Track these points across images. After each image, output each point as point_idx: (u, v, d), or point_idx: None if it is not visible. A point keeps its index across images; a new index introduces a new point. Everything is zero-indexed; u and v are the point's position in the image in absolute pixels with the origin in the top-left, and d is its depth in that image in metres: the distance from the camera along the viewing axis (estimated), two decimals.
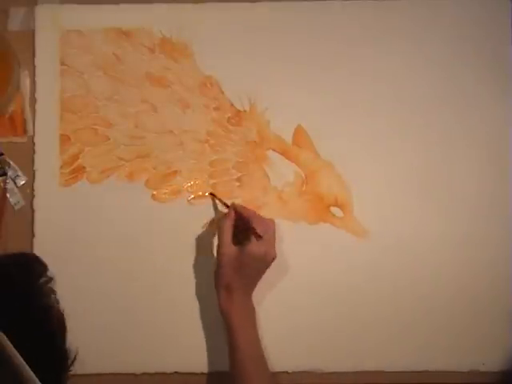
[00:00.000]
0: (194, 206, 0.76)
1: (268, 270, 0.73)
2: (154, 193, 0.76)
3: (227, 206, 0.73)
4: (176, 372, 0.74)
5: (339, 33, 0.78)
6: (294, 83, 0.77)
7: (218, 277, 0.69)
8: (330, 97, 0.77)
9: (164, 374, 0.74)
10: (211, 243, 0.74)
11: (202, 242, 0.75)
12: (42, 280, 0.52)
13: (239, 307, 0.68)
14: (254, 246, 0.68)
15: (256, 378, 0.67)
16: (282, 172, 0.76)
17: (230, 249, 0.68)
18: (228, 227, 0.69)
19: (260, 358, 0.69)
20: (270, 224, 0.71)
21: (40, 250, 0.75)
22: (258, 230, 0.69)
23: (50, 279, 0.53)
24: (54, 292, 0.52)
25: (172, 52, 0.78)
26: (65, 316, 0.56)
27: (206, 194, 0.75)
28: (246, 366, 0.67)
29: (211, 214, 0.75)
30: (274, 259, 0.70)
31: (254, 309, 0.70)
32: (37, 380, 0.47)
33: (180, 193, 0.76)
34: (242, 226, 0.71)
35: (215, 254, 0.71)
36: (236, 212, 0.71)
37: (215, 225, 0.74)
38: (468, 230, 0.76)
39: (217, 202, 0.75)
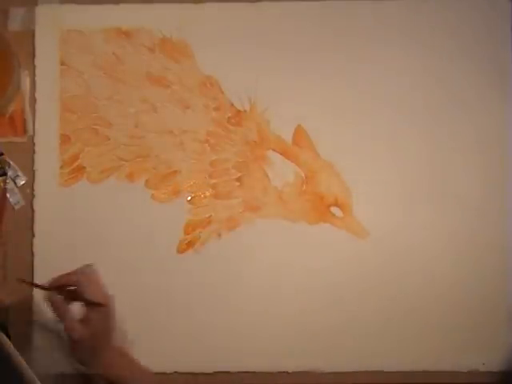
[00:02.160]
0: (193, 205, 0.76)
1: (267, 270, 0.73)
2: (154, 193, 0.76)
3: (44, 288, 0.65)
4: (176, 372, 0.74)
5: (340, 33, 0.78)
6: (293, 83, 0.77)
7: (77, 356, 0.64)
8: (330, 97, 0.77)
9: (164, 373, 0.74)
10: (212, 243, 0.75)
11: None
12: None
13: (118, 360, 0.65)
14: (95, 317, 0.63)
15: None
16: (282, 172, 0.76)
17: (79, 327, 0.62)
18: (64, 313, 0.63)
19: None
20: (89, 276, 0.64)
21: (40, 250, 0.75)
22: (90, 296, 0.62)
23: None
24: None
25: (172, 52, 0.78)
26: None
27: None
28: None
29: (211, 214, 0.75)
30: (110, 302, 0.64)
31: (129, 353, 0.67)
32: (36, 379, 0.47)
33: (180, 193, 0.76)
34: (70, 294, 0.64)
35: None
36: (56, 288, 0.64)
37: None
38: (468, 230, 0.76)
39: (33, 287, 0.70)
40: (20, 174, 0.76)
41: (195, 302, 0.73)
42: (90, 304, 0.62)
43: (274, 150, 0.77)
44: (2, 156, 0.76)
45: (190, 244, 0.75)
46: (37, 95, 0.77)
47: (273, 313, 0.74)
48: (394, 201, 0.76)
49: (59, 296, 0.63)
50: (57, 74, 0.77)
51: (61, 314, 0.63)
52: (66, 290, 0.63)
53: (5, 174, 0.76)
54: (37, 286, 0.67)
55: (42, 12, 0.77)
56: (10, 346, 0.66)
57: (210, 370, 0.74)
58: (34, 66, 0.77)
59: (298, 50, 0.78)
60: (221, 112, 0.77)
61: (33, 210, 0.75)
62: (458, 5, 0.78)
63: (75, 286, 0.63)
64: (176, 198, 0.76)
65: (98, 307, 0.62)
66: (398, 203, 0.76)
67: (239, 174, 0.76)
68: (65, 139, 0.76)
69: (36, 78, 0.77)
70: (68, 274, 0.64)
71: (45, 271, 0.75)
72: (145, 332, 0.74)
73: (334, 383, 0.74)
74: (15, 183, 0.76)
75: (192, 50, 0.78)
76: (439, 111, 0.77)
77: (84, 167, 0.76)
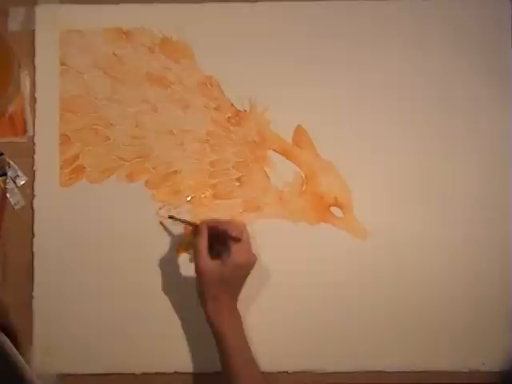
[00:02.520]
0: (193, 205, 0.76)
1: (267, 270, 0.73)
2: (154, 193, 0.76)
3: (193, 225, 0.72)
4: (176, 372, 0.74)
5: (339, 33, 0.78)
6: (294, 83, 0.77)
7: (202, 292, 0.68)
8: (330, 97, 0.77)
9: (164, 373, 0.74)
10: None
11: None
12: None
13: (227, 315, 0.68)
14: (235, 256, 0.68)
15: (249, 380, 0.66)
16: (282, 172, 0.76)
17: (210, 265, 0.68)
18: (202, 243, 0.68)
19: (251, 361, 0.68)
20: (242, 228, 0.70)
21: (40, 250, 0.75)
22: (234, 234, 0.68)
23: None
24: None
25: (172, 52, 0.78)
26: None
27: (167, 216, 0.74)
28: (238, 371, 0.66)
29: (211, 214, 0.75)
30: (255, 262, 0.70)
31: (239, 315, 0.70)
32: (37, 379, 0.47)
33: (180, 193, 0.76)
34: (216, 239, 0.70)
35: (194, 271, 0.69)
36: (209, 227, 0.70)
37: (185, 246, 0.75)
38: (468, 231, 0.76)
39: (182, 224, 0.74)
40: (20, 174, 0.76)
41: (195, 303, 0.73)
42: (232, 239, 0.68)
43: (274, 150, 0.77)
44: (2, 156, 0.76)
45: (191, 244, 0.75)
46: (37, 95, 0.77)
47: (273, 312, 0.74)
48: (395, 201, 0.76)
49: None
50: (57, 74, 0.77)
51: (199, 249, 0.68)
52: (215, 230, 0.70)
53: (5, 174, 0.76)
54: (182, 220, 0.73)
55: (41, 12, 0.77)
56: (10, 346, 0.66)
57: (210, 370, 0.74)
58: (34, 66, 0.77)
59: (298, 50, 0.78)
60: (221, 112, 0.77)
61: (33, 210, 0.75)
62: (459, 5, 0.78)
63: (224, 231, 0.69)
64: (176, 198, 0.76)
65: (238, 242, 0.68)
66: (399, 203, 0.76)
67: (239, 174, 0.76)
68: (65, 139, 0.76)
69: (36, 78, 0.77)
70: (222, 220, 0.71)
71: (45, 271, 0.75)
72: (144, 332, 0.74)
73: (334, 383, 0.74)
74: (15, 183, 0.76)
75: (192, 50, 0.78)
76: (441, 112, 0.77)
77: (84, 167, 0.76)
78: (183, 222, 0.73)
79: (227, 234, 0.69)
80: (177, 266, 0.75)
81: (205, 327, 0.72)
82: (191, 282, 0.73)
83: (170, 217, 0.74)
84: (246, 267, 0.69)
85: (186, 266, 0.75)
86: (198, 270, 0.68)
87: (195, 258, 0.69)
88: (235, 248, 0.68)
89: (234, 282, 0.69)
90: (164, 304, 0.75)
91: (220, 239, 0.70)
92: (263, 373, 0.69)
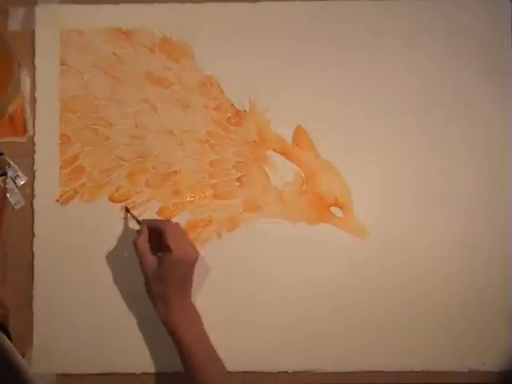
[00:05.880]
0: (193, 205, 0.76)
1: (267, 270, 0.73)
2: (155, 193, 0.76)
3: (139, 222, 0.72)
4: (176, 372, 0.74)
5: (339, 33, 0.78)
6: (294, 83, 0.77)
7: (149, 290, 0.70)
8: (329, 97, 0.77)
9: (164, 373, 0.74)
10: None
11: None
12: None
13: (179, 313, 0.68)
14: (171, 253, 0.68)
15: (209, 371, 0.67)
16: (282, 172, 0.76)
17: (151, 261, 0.68)
18: (143, 241, 0.69)
19: (211, 358, 0.69)
20: (178, 228, 0.71)
21: (40, 250, 0.75)
22: (170, 241, 0.68)
23: None
24: None
25: (172, 52, 0.78)
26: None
27: (123, 209, 0.75)
28: (198, 368, 0.67)
29: (211, 214, 0.75)
30: (196, 258, 0.70)
31: (194, 310, 0.71)
32: (36, 379, 0.47)
33: (180, 193, 0.76)
34: (156, 237, 0.70)
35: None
36: (148, 226, 0.70)
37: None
38: (467, 230, 0.76)
39: (129, 216, 0.74)
40: (20, 174, 0.76)
41: (194, 302, 0.73)
42: (167, 248, 0.68)
43: (274, 150, 0.77)
44: (2, 156, 0.76)
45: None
46: (37, 95, 0.77)
47: (273, 313, 0.74)
48: (394, 201, 0.76)
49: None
50: (57, 74, 0.77)
51: (140, 247, 0.69)
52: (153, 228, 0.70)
53: (5, 173, 0.76)
54: (134, 216, 0.74)
55: (41, 12, 0.78)
56: (10, 345, 0.66)
57: None
58: (34, 66, 0.77)
59: (298, 50, 0.78)
60: (221, 112, 0.77)
61: (33, 210, 0.75)
62: (458, 5, 0.78)
63: (162, 230, 0.69)
64: (176, 198, 0.76)
65: (170, 252, 0.67)
66: (398, 203, 0.76)
67: (239, 174, 0.76)
68: (65, 139, 0.76)
69: (36, 78, 0.77)
70: (160, 220, 0.73)
71: (45, 271, 0.75)
72: (145, 332, 0.74)
73: (334, 383, 0.74)
74: (15, 183, 0.76)
75: (192, 50, 0.78)
76: (441, 111, 0.77)
77: (84, 167, 0.76)
78: (133, 217, 0.74)
79: (164, 241, 0.68)
80: None
81: (205, 327, 0.72)
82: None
83: (126, 209, 0.74)
84: (183, 262, 0.69)
85: None
86: (141, 266, 0.69)
87: (137, 255, 0.69)
88: (172, 245, 0.68)
89: (177, 278, 0.69)
90: None
91: (158, 237, 0.70)
92: (229, 372, 0.70)
